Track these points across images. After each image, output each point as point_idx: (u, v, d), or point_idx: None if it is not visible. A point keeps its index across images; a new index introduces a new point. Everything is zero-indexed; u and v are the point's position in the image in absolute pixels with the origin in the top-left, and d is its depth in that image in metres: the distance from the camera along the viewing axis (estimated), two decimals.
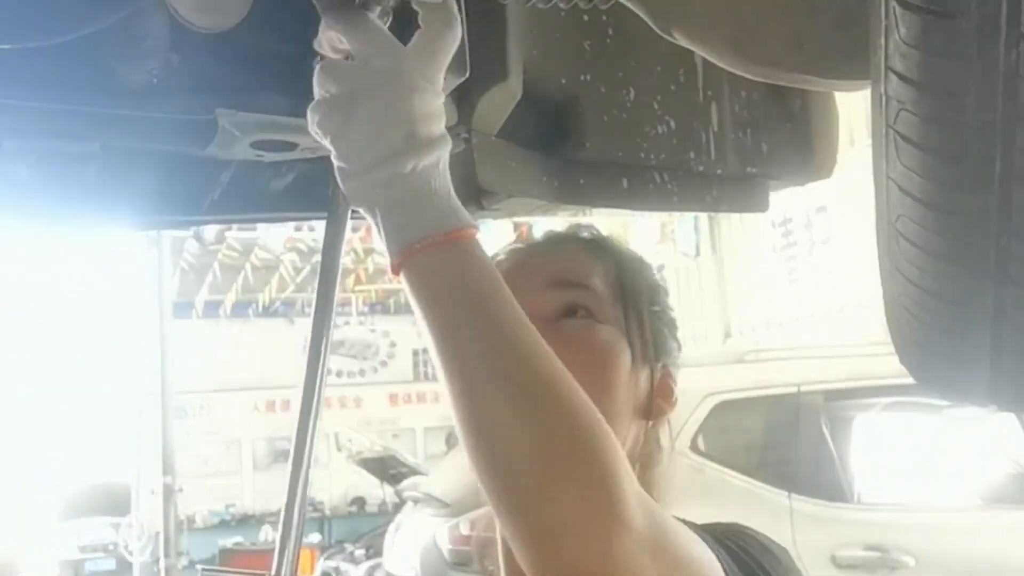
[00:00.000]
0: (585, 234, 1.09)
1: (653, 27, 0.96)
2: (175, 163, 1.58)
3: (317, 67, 0.87)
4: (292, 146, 1.46)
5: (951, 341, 0.86)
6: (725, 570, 0.84)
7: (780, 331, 10.19)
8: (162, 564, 9.59)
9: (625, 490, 0.71)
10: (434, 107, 0.84)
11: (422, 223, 0.79)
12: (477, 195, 1.71)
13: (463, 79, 1.01)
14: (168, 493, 9.54)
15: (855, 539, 4.16)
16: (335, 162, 0.85)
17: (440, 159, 0.83)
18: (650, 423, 1.02)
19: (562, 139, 1.49)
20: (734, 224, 10.95)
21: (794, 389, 4.49)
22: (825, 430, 4.40)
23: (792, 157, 1.60)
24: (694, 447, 4.25)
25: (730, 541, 0.92)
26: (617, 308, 1.00)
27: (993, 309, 0.79)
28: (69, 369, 15.73)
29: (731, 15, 0.89)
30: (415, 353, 16.04)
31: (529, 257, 1.05)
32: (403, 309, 15.65)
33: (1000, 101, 0.70)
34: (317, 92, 0.86)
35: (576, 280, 1.00)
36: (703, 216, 11.17)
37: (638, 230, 10.97)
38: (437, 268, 0.78)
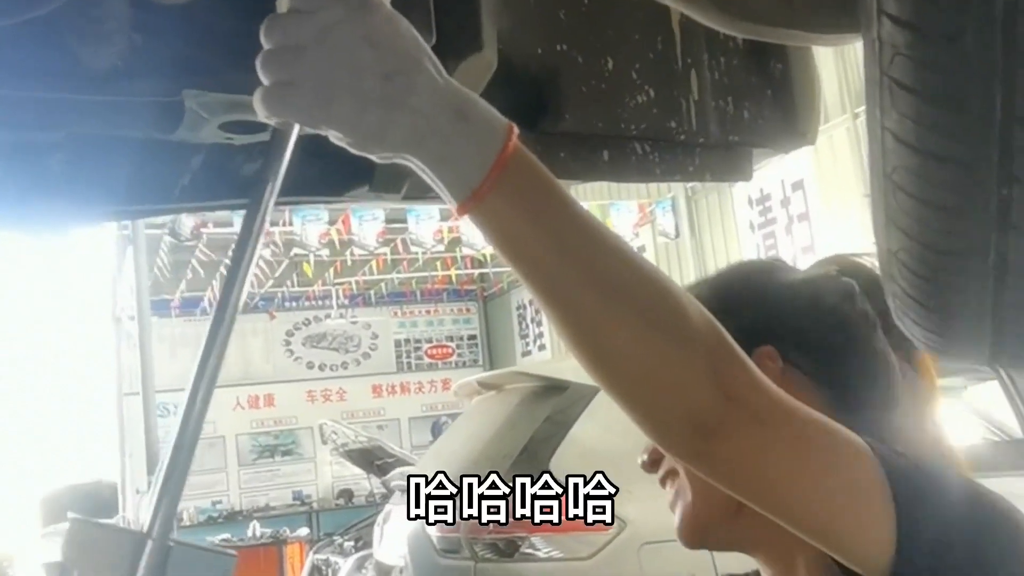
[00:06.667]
0: (711, 291, 1.06)
1: None
2: (143, 150, 1.54)
3: (262, 27, 0.81)
4: (263, 127, 1.42)
5: (951, 296, 0.83)
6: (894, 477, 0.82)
7: None
8: None
9: (729, 372, 0.79)
10: (399, 21, 0.80)
11: (475, 155, 0.78)
12: None
13: (430, 44, 0.97)
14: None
15: None
16: (340, 142, 0.80)
17: (438, 70, 0.80)
18: None
19: (540, 112, 1.46)
20: (712, 203, 10.95)
21: None
22: None
23: (775, 124, 1.58)
24: None
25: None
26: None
27: (995, 260, 0.77)
28: (45, 372, 15.63)
29: None
30: (397, 344, 15.99)
31: None
32: (384, 300, 15.61)
33: (999, 42, 0.68)
34: (267, 73, 0.80)
35: None
36: (681, 197, 11.17)
37: (617, 212, 10.95)
38: (504, 207, 0.79)
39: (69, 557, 0.77)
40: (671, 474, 1.05)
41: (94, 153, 1.52)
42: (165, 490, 0.76)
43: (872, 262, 1.05)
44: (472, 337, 16.42)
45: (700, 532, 1.02)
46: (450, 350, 16.28)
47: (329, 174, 1.64)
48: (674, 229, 11.29)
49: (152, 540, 0.76)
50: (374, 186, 1.64)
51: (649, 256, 12.07)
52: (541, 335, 14.81)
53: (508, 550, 4.03)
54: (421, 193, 1.73)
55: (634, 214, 11.33)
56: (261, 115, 0.83)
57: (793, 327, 1.03)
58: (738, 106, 1.55)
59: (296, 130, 0.86)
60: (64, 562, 0.78)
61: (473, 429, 5.00)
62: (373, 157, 0.82)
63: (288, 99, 0.79)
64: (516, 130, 0.80)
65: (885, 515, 0.80)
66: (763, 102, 1.56)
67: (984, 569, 0.83)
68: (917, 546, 0.81)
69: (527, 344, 15.26)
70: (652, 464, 1.07)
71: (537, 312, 15.01)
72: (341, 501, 14.35)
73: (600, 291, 0.78)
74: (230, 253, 12.34)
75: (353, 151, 0.81)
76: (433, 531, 4.25)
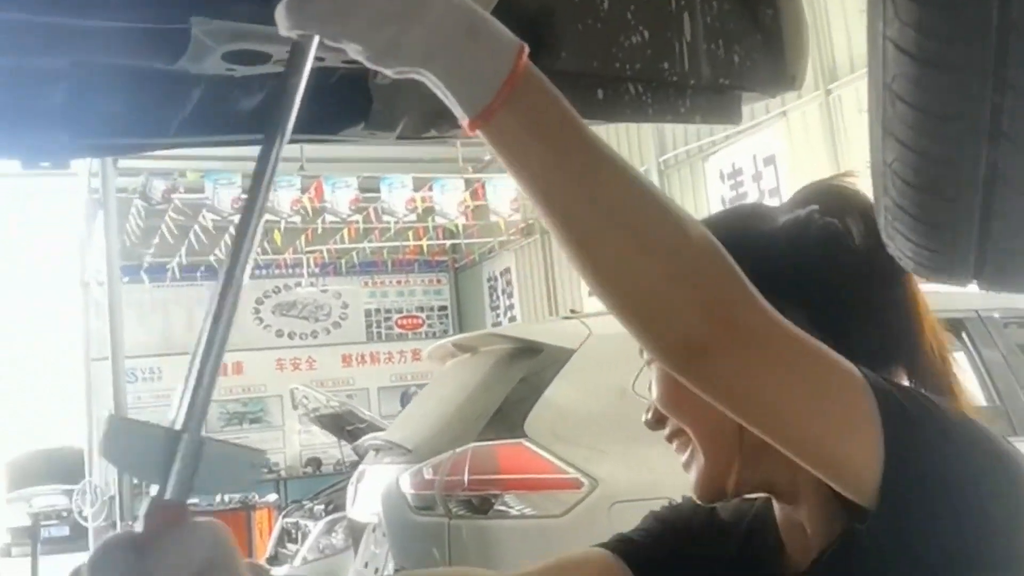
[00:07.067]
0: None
1: None
2: (144, 81, 1.55)
3: None
4: (266, 57, 1.45)
5: (941, 206, 0.87)
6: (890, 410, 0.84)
7: None
8: (118, 528, 9.52)
9: (735, 302, 0.81)
10: None
11: (487, 72, 0.80)
12: (439, 114, 1.70)
13: None
14: None
15: None
16: (358, 56, 0.82)
17: None
18: None
19: (536, 50, 1.48)
20: (684, 177, 11.02)
21: None
22: None
23: (764, 68, 1.62)
24: None
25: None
26: None
27: (986, 168, 0.81)
28: (12, 337, 15.49)
29: None
30: (367, 314, 16.00)
31: None
32: (355, 270, 15.58)
33: None
34: None
35: None
36: (654, 170, 11.23)
37: None
38: (515, 125, 0.81)
39: (107, 454, 0.78)
40: (678, 432, 1.06)
41: (96, 83, 1.53)
42: (198, 384, 0.77)
43: (854, 184, 1.03)
44: (442, 308, 16.45)
45: (717, 489, 1.04)
46: (420, 320, 16.31)
47: (325, 112, 1.66)
48: None
49: (186, 435, 0.77)
50: (370, 124, 1.67)
51: None
52: (512, 307, 14.87)
53: (482, 507, 4.08)
54: (416, 133, 1.76)
55: None
56: (282, 27, 0.85)
57: (777, 285, 0.98)
58: (729, 49, 1.59)
59: (315, 45, 0.88)
60: (103, 458, 0.78)
61: (447, 391, 5.03)
62: (389, 72, 0.85)
63: (308, 9, 0.82)
64: (527, 49, 0.83)
65: (874, 442, 0.82)
66: (753, 46, 1.60)
67: (975, 504, 0.84)
68: (903, 477, 0.82)
69: (497, 315, 15.31)
70: (657, 423, 1.08)
71: (508, 284, 15.05)
72: (309, 469, 14.38)
73: (600, 210, 0.81)
74: (200, 219, 12.24)
75: (369, 65, 0.84)
76: (407, 488, 4.29)
